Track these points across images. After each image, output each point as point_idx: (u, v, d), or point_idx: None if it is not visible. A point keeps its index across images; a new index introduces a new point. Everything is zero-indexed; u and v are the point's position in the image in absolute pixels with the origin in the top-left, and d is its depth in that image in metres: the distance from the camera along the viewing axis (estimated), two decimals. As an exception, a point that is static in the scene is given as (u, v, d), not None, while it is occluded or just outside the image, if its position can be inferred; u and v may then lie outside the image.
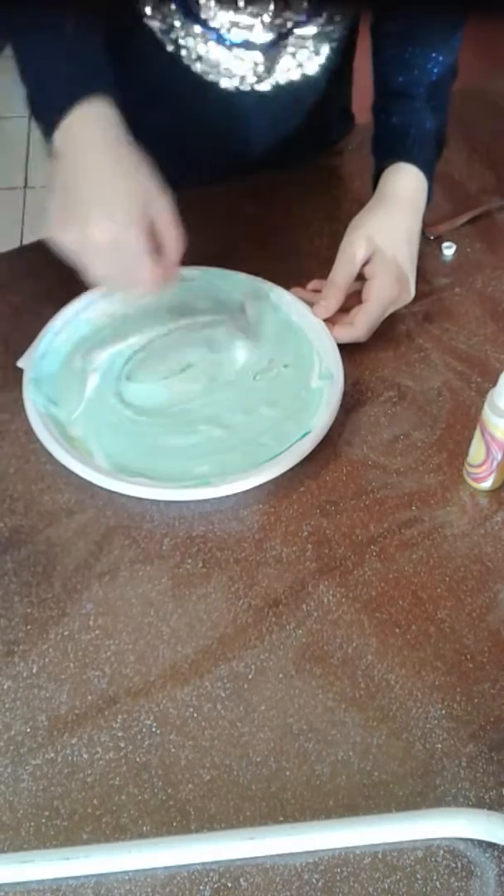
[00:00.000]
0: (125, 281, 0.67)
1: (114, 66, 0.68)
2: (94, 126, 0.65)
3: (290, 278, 0.82)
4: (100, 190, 0.63)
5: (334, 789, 0.54)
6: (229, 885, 0.50)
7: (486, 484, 0.69)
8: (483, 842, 0.52)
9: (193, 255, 0.84)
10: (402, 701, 0.58)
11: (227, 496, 0.67)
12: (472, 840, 0.52)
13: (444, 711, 0.57)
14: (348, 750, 0.56)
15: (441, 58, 0.81)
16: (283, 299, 0.80)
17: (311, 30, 0.80)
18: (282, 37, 0.79)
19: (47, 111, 0.65)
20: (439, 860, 0.51)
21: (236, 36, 0.78)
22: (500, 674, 0.59)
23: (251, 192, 0.93)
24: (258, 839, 0.51)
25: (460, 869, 0.51)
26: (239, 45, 0.79)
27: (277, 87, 0.84)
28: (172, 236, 0.66)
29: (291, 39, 0.80)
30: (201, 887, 0.50)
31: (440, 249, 0.88)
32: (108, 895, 0.50)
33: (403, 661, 0.60)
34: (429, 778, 0.55)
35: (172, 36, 0.79)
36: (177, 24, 0.78)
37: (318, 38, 0.81)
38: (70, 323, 0.77)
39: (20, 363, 0.74)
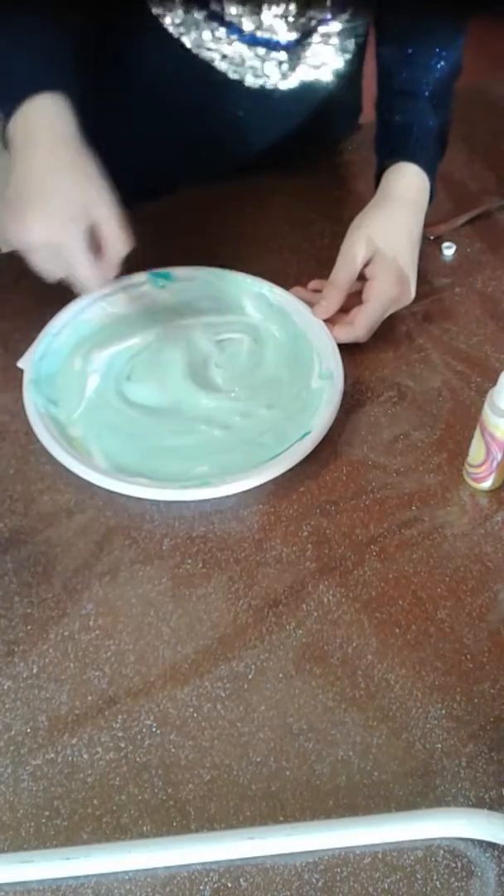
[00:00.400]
0: (68, 278, 0.67)
1: (89, 68, 0.69)
2: (42, 123, 0.65)
3: (290, 278, 0.82)
4: (38, 188, 0.63)
5: (334, 789, 0.54)
6: (229, 885, 0.50)
7: (486, 484, 0.69)
8: (483, 842, 0.52)
9: (193, 255, 0.84)
10: (402, 701, 0.58)
11: (227, 496, 0.67)
12: (472, 840, 0.52)
13: (444, 711, 0.57)
14: (348, 750, 0.56)
15: (445, 55, 0.81)
16: (284, 299, 0.80)
17: (335, 27, 0.80)
18: (306, 35, 0.79)
19: (4, 101, 0.65)
20: (439, 860, 0.51)
21: (260, 35, 0.78)
22: (500, 674, 0.59)
23: (251, 191, 0.93)
24: (258, 839, 0.51)
25: (460, 869, 0.51)
26: (262, 45, 0.79)
27: (302, 85, 0.84)
28: (113, 238, 0.66)
29: (316, 37, 0.80)
30: (201, 887, 0.50)
31: (440, 249, 0.88)
32: (108, 895, 0.50)
33: (403, 661, 0.60)
34: (429, 778, 0.55)
35: (195, 36, 0.79)
36: (200, 24, 0.78)
37: (344, 34, 0.81)
38: (70, 324, 0.77)
39: (20, 364, 0.74)
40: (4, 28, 0.67)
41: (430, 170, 0.80)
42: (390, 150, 0.81)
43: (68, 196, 0.63)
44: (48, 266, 0.66)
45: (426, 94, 0.81)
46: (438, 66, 0.81)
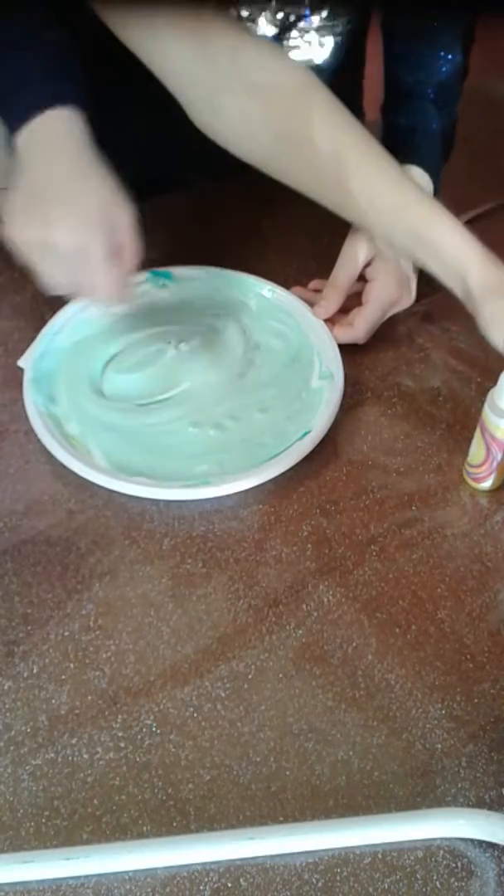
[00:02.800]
0: (79, 286, 0.66)
1: (90, 78, 0.68)
2: (61, 134, 0.64)
3: (290, 278, 0.82)
4: (65, 193, 0.63)
5: (334, 789, 0.54)
6: (229, 885, 0.50)
7: (486, 484, 0.69)
8: (483, 842, 0.52)
9: (194, 255, 0.84)
10: (402, 701, 0.58)
11: (227, 496, 0.67)
12: (472, 840, 0.52)
13: (444, 711, 0.57)
14: (348, 750, 0.56)
15: (450, 57, 0.81)
16: (284, 299, 0.80)
17: (313, 23, 0.80)
18: (285, 30, 0.79)
19: (15, 110, 0.65)
20: (439, 860, 0.51)
21: None
22: (500, 674, 0.59)
23: (251, 191, 0.93)
24: (258, 839, 0.51)
25: (460, 869, 0.51)
26: None
27: None
28: (131, 247, 0.65)
29: (294, 33, 0.80)
30: (201, 887, 0.50)
31: (440, 249, 0.88)
32: (108, 895, 0.50)
33: (403, 661, 0.60)
34: (429, 778, 0.55)
35: None
36: None
37: (322, 31, 0.81)
38: (70, 322, 0.78)
39: (20, 363, 0.74)
40: (14, 34, 0.67)
41: (434, 172, 0.80)
42: (394, 153, 0.81)
43: (93, 200, 0.63)
44: (57, 272, 0.65)
45: (430, 96, 0.81)
46: (443, 68, 0.81)
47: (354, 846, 0.52)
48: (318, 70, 0.85)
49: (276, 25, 0.79)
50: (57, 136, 0.64)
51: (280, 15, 0.78)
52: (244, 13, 0.77)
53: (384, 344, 0.79)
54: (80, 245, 0.62)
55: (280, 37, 0.80)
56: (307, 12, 0.79)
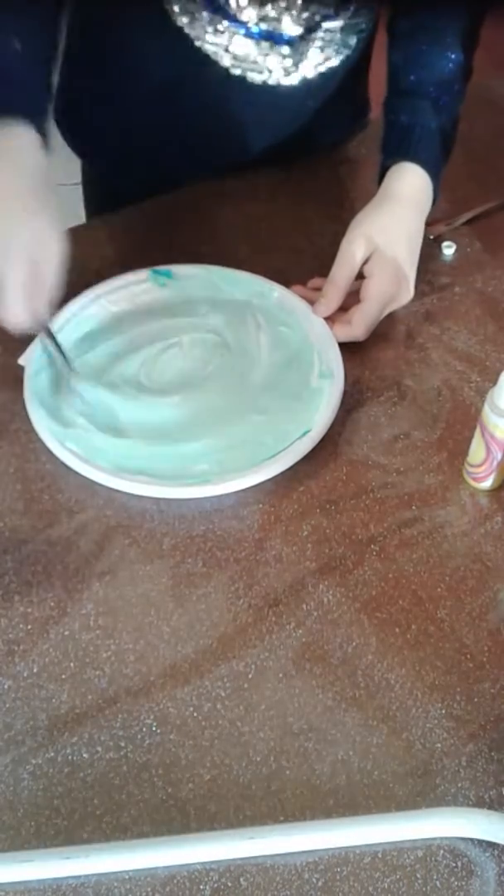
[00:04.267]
0: None
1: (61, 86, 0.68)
2: (10, 148, 0.64)
3: (290, 277, 0.82)
4: None
5: (334, 789, 0.54)
6: (229, 884, 0.50)
7: (486, 484, 0.69)
8: (483, 841, 0.52)
9: (194, 254, 0.84)
10: (402, 701, 0.58)
11: (227, 495, 0.67)
12: (472, 840, 0.52)
13: (444, 711, 0.57)
14: (348, 749, 0.56)
15: (453, 56, 0.81)
16: (284, 298, 0.80)
17: (338, 23, 0.80)
18: (310, 30, 0.79)
19: None
20: (439, 860, 0.51)
21: (265, 30, 0.78)
22: (500, 673, 0.59)
23: (252, 190, 0.93)
24: (258, 839, 0.51)
25: (460, 868, 0.51)
26: (267, 39, 0.79)
27: (304, 81, 0.84)
28: (51, 284, 0.65)
29: (319, 33, 0.80)
30: (201, 887, 0.50)
31: (440, 249, 0.88)
32: (108, 895, 0.50)
33: (403, 661, 0.60)
34: (429, 777, 0.55)
35: (199, 31, 0.79)
36: (205, 18, 0.77)
37: (346, 30, 0.81)
38: (71, 321, 0.77)
39: (21, 360, 0.74)
40: None
41: (433, 170, 0.80)
42: (393, 150, 0.81)
43: (20, 226, 0.63)
44: None
45: (431, 94, 0.81)
46: (445, 67, 0.81)
47: (354, 845, 0.52)
48: (338, 70, 0.85)
49: (301, 25, 0.78)
50: (5, 152, 0.64)
51: (305, 14, 0.77)
52: (271, 13, 0.76)
53: (384, 343, 0.79)
54: None
55: (305, 37, 0.80)
56: (332, 12, 0.79)
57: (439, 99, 0.81)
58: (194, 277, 0.82)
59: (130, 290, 0.80)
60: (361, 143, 1.00)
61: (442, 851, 0.52)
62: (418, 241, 0.80)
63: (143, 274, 0.81)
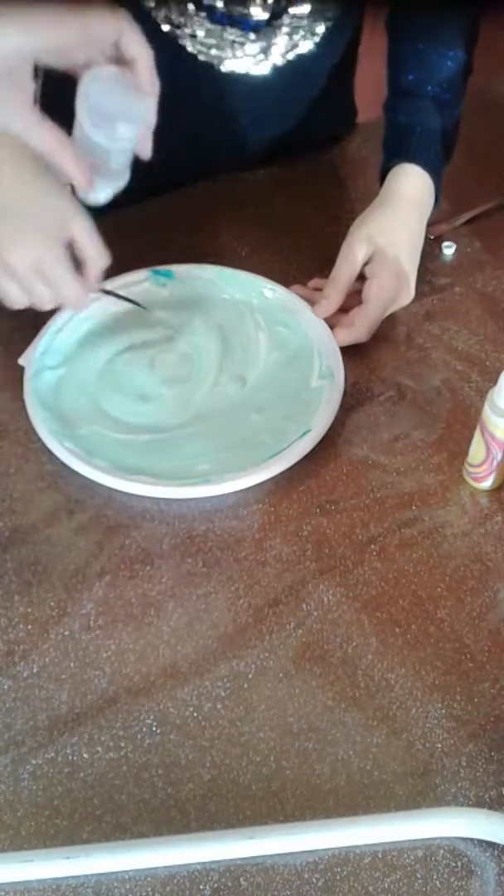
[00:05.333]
0: (40, 301, 0.66)
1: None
2: (4, 143, 0.64)
3: (290, 277, 0.82)
4: (10, 207, 0.62)
5: (334, 789, 0.54)
6: (229, 884, 0.50)
7: (486, 484, 0.69)
8: (483, 841, 0.52)
9: (195, 254, 0.84)
10: (402, 701, 0.58)
11: (227, 495, 0.67)
12: (472, 840, 0.52)
13: (444, 711, 0.57)
14: (348, 749, 0.56)
15: (452, 55, 0.81)
16: (284, 298, 0.80)
17: (305, 8, 0.80)
18: (276, 15, 0.79)
19: None
20: (439, 860, 0.51)
21: (231, 15, 0.78)
22: (500, 673, 0.59)
23: (252, 190, 0.93)
24: (258, 839, 0.51)
25: (460, 868, 0.51)
26: (233, 25, 0.79)
27: (275, 70, 0.84)
28: (92, 255, 0.65)
29: (286, 18, 0.80)
30: (201, 887, 0.50)
31: (440, 249, 0.88)
32: (108, 895, 0.50)
33: (403, 661, 0.60)
34: (429, 777, 0.55)
35: (167, 15, 0.78)
36: (172, 3, 0.77)
37: (313, 16, 0.81)
38: (71, 321, 0.77)
39: (21, 361, 0.74)
40: None
41: (434, 171, 0.80)
42: (394, 151, 0.81)
43: (44, 211, 0.63)
44: (16, 289, 0.64)
45: (431, 94, 0.81)
46: (445, 66, 0.81)
47: (354, 845, 0.52)
48: (309, 59, 0.85)
49: (268, 11, 0.78)
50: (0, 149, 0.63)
51: (271, 0, 0.77)
52: None
53: (384, 344, 0.79)
54: (39, 265, 0.62)
55: (271, 22, 0.80)
56: None
57: (440, 99, 0.81)
58: (194, 277, 0.82)
59: (130, 290, 0.80)
60: (362, 144, 1.00)
61: (442, 851, 0.52)
62: (419, 243, 0.80)
63: (143, 274, 0.81)
